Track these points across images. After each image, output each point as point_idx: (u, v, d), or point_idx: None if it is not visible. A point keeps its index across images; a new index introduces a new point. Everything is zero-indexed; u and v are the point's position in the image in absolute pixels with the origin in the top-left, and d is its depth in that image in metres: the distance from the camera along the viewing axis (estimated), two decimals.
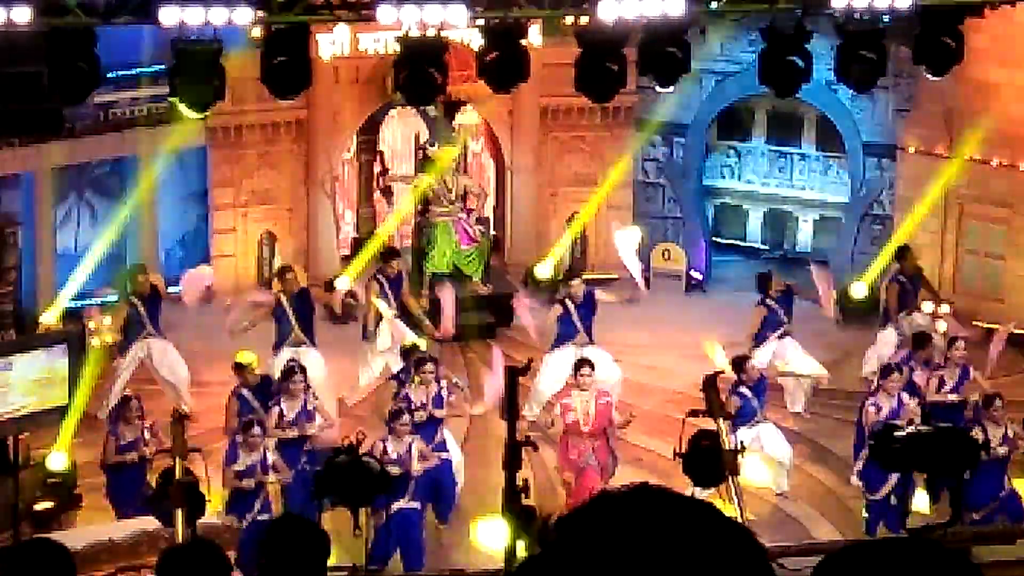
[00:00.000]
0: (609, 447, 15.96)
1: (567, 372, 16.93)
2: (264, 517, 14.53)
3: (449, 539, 15.94)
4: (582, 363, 16.10)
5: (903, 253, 19.39)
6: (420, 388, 16.12)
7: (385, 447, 15.06)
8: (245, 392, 16.47)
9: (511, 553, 9.89)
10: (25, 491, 14.77)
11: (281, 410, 15.88)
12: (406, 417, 15.43)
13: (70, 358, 17.52)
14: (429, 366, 16.34)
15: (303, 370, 16.28)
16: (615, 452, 16.04)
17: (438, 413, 16.08)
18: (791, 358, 18.31)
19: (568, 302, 18.34)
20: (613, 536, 2.76)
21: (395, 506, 14.82)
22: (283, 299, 18.17)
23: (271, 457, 15.12)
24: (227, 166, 21.06)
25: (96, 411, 17.50)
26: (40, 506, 15.42)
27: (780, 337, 18.54)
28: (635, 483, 2.90)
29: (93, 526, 15.20)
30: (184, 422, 13.49)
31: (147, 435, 15.57)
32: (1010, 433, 15.51)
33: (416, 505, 15.28)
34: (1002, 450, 15.40)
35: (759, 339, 18.46)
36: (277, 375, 16.77)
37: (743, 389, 16.61)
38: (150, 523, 13.57)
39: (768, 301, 18.61)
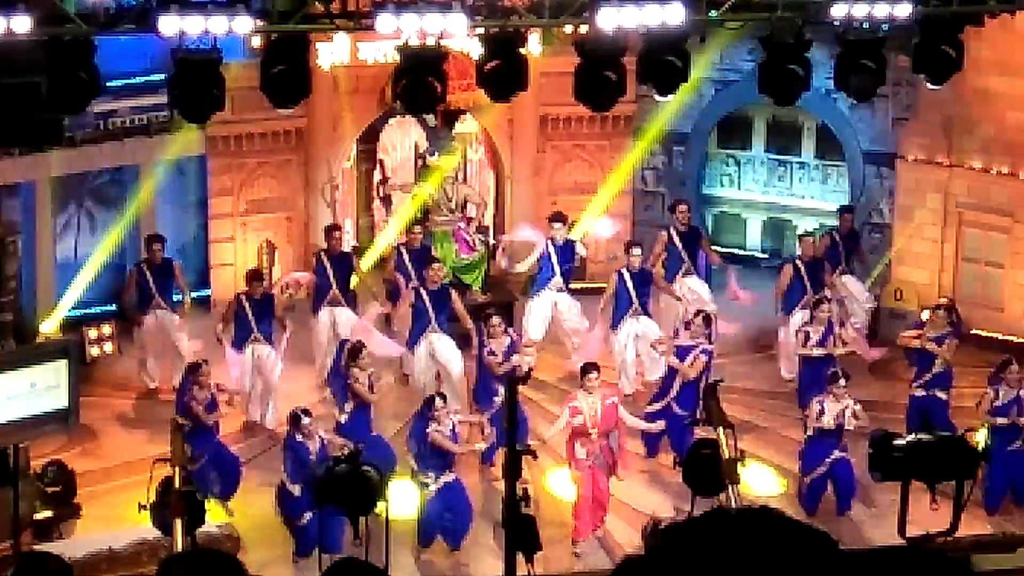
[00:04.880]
0: (611, 448, 15.99)
1: (548, 314, 19.24)
2: None
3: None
4: (589, 367, 16.12)
5: (844, 211, 20.60)
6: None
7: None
8: (244, 300, 17.83)
9: (510, 562, 9.89)
10: (25, 501, 14.76)
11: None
12: None
13: (69, 368, 17.55)
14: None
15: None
16: (614, 453, 16.01)
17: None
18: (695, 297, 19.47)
19: (550, 244, 19.40)
20: (721, 551, 2.70)
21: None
22: (324, 258, 18.67)
23: (327, 438, 15.56)
24: (227, 175, 21.04)
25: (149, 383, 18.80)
26: (40, 515, 15.42)
27: (685, 275, 19.74)
28: (754, 504, 2.86)
29: (93, 535, 15.20)
30: (183, 430, 13.48)
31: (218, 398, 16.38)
32: (848, 411, 16.36)
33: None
34: (828, 424, 16.33)
35: (668, 278, 19.65)
36: (316, 334, 18.55)
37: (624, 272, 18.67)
38: (149, 532, 13.57)
39: (672, 231, 19.82)
